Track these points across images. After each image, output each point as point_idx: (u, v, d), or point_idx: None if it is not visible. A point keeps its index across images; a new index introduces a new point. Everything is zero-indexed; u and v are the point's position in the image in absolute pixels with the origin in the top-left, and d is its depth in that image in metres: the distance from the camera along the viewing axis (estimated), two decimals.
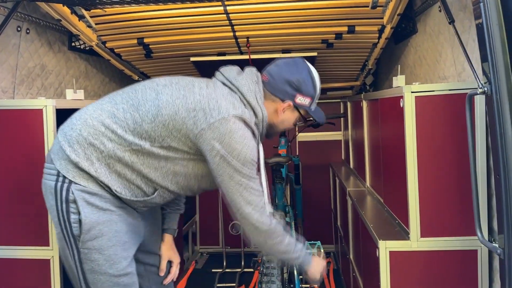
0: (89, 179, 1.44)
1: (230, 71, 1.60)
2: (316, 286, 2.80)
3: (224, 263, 3.76)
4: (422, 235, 1.75)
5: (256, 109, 1.53)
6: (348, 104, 3.45)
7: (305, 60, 1.64)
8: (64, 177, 1.43)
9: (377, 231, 1.89)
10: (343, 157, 3.98)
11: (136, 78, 3.21)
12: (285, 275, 2.36)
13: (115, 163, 1.45)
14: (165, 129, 1.44)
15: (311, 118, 1.69)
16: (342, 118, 3.90)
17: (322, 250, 2.58)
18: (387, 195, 2.17)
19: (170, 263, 1.81)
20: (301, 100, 1.57)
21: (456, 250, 1.74)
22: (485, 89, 1.38)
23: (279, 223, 1.59)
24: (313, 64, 3.01)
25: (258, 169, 1.55)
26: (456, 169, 1.72)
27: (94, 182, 1.44)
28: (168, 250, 1.80)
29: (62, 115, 1.92)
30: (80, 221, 1.42)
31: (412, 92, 1.73)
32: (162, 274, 1.76)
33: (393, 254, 1.77)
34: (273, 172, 2.56)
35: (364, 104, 2.69)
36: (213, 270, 3.69)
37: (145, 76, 3.31)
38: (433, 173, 1.73)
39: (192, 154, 1.48)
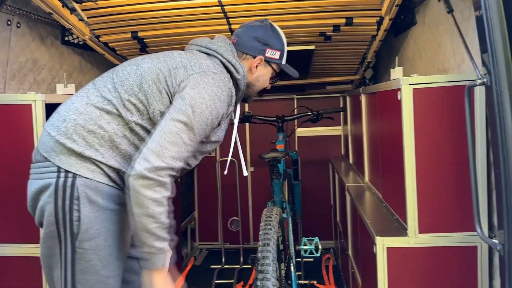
0: (95, 170, 1.41)
1: (202, 40, 1.65)
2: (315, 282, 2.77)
3: (223, 260, 3.74)
4: (421, 231, 1.71)
5: (236, 66, 1.60)
6: (347, 98, 3.41)
7: (268, 19, 1.74)
8: (67, 172, 1.39)
9: (375, 227, 1.85)
10: (342, 152, 3.94)
11: None
12: (283, 272, 2.33)
13: (118, 144, 1.43)
14: (151, 96, 1.45)
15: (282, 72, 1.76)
16: (341, 113, 3.86)
17: (320, 246, 2.55)
18: (386, 190, 2.13)
19: None
20: (271, 53, 1.67)
21: (455, 246, 1.70)
22: (485, 80, 1.34)
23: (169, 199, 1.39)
24: (311, 58, 3.02)
25: (219, 124, 1.55)
26: (455, 163, 1.67)
27: (101, 172, 1.42)
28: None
29: (52, 110, 1.89)
30: (81, 220, 1.38)
31: (409, 84, 1.68)
32: None
33: (390, 251, 1.73)
34: (270, 168, 2.52)
35: (363, 98, 2.65)
36: (211, 267, 3.67)
37: None
38: (431, 168, 1.69)
39: None
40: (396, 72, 1.80)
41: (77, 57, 2.78)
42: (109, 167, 1.43)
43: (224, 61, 1.59)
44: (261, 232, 1.95)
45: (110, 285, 1.44)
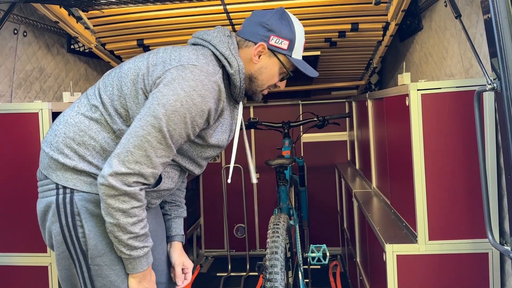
0: (92, 182, 1.31)
1: (200, 31, 1.49)
2: None
3: (229, 267, 3.71)
4: (431, 238, 1.68)
5: (230, 59, 1.39)
6: (353, 103, 3.39)
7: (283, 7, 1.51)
8: (65, 188, 1.32)
9: (384, 234, 1.82)
10: (348, 158, 3.91)
11: None
12: (290, 280, 2.30)
13: (110, 154, 1.31)
14: (129, 99, 1.33)
15: (300, 71, 1.48)
16: (347, 118, 3.84)
17: (328, 254, 2.52)
18: (394, 196, 2.11)
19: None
20: (276, 41, 1.42)
21: (466, 253, 1.67)
22: (495, 85, 1.32)
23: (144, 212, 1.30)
24: (316, 63, 3.01)
25: (208, 123, 1.38)
26: (465, 169, 1.65)
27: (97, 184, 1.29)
28: (180, 257, 1.62)
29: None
30: (87, 236, 1.31)
31: (418, 89, 1.67)
32: (179, 280, 1.59)
33: (400, 258, 1.71)
34: (276, 174, 2.51)
35: (369, 103, 2.63)
36: (218, 274, 3.64)
37: None
38: (441, 174, 1.67)
39: None
40: (404, 78, 1.79)
41: (83, 65, 2.79)
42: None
43: (217, 53, 1.40)
44: (268, 240, 1.93)
45: None
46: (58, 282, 1.77)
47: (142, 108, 1.29)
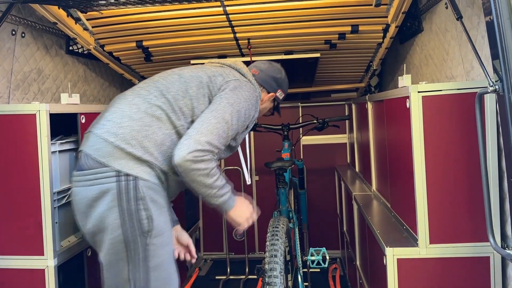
0: (151, 172, 1.52)
1: (225, 61, 1.88)
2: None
3: (228, 270, 3.69)
4: (431, 242, 1.67)
5: (255, 86, 1.83)
6: (353, 106, 3.38)
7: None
8: (127, 175, 1.48)
9: (384, 238, 1.81)
10: (348, 161, 3.90)
11: (136, 82, 3.16)
12: (290, 283, 2.28)
13: (167, 148, 1.56)
14: (195, 100, 1.63)
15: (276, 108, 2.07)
16: (347, 121, 3.83)
17: (327, 257, 2.50)
18: (394, 199, 2.09)
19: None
20: (279, 94, 2.00)
21: (467, 257, 1.66)
22: (496, 87, 1.31)
23: (219, 169, 1.60)
24: (316, 66, 3.00)
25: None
26: (466, 172, 1.64)
27: (155, 174, 1.54)
28: (185, 235, 1.85)
29: (57, 120, 1.87)
30: (150, 218, 1.49)
31: (418, 92, 1.65)
32: (194, 259, 1.84)
33: (401, 262, 1.69)
34: (276, 177, 2.49)
35: (369, 106, 2.62)
36: (216, 277, 3.62)
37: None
38: (442, 177, 1.66)
39: None
40: (404, 80, 1.77)
41: (81, 67, 2.78)
42: (161, 170, 1.56)
43: (253, 81, 1.86)
44: (268, 243, 1.91)
45: (175, 280, 1.57)
46: (55, 285, 1.75)
47: (207, 106, 1.63)
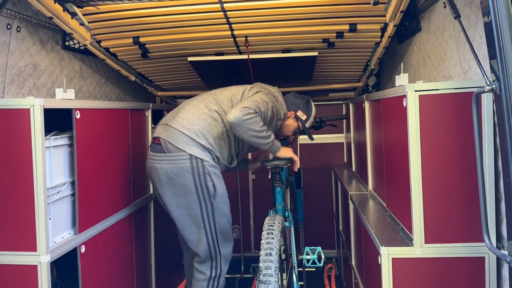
0: (210, 156, 2.23)
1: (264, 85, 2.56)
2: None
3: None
4: (427, 241, 1.66)
5: (278, 100, 2.47)
6: (350, 105, 3.37)
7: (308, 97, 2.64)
8: (197, 158, 2.18)
9: (380, 237, 1.80)
10: (345, 160, 3.89)
11: (133, 78, 3.14)
12: (285, 282, 2.27)
13: (221, 141, 2.28)
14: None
15: (304, 131, 2.60)
16: (344, 120, 3.82)
17: (323, 256, 2.50)
18: (390, 199, 2.09)
19: None
20: (300, 114, 2.55)
21: (462, 257, 1.65)
22: (494, 86, 1.30)
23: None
24: (314, 65, 2.99)
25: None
26: (463, 172, 1.63)
27: (213, 158, 2.24)
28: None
29: (52, 115, 1.86)
30: (214, 186, 2.20)
31: (415, 90, 1.65)
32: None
33: (396, 261, 1.68)
34: (272, 175, 2.48)
35: (366, 105, 2.61)
36: None
37: (142, 77, 3.24)
38: (438, 176, 1.65)
39: None
40: (401, 79, 1.77)
41: (77, 62, 2.76)
42: (216, 156, 2.26)
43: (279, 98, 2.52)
44: (263, 241, 1.90)
45: (230, 222, 2.33)
46: (48, 281, 1.74)
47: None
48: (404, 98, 1.69)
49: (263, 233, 1.96)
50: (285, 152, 2.37)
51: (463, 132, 1.62)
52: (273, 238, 1.92)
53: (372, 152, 2.52)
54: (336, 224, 3.77)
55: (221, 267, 2.32)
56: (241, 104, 2.17)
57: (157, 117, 3.06)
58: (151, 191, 2.85)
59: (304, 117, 2.54)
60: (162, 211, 3.01)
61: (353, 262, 2.67)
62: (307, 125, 2.57)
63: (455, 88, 1.63)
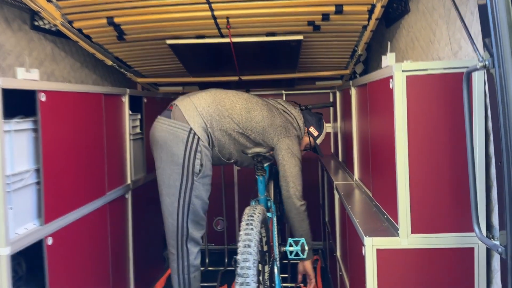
0: (206, 140, 2.30)
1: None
2: (301, 285, 2.66)
3: (207, 261, 3.58)
4: (413, 231, 1.57)
5: (301, 127, 2.65)
6: (337, 93, 3.27)
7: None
8: (195, 134, 2.26)
9: (364, 227, 1.70)
10: (332, 150, 3.80)
11: (110, 63, 2.99)
12: (266, 275, 2.17)
13: (218, 133, 2.35)
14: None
15: (315, 148, 2.75)
16: (331, 110, 3.72)
17: (306, 248, 2.40)
18: (376, 188, 1.99)
19: None
20: (312, 130, 2.67)
21: (450, 248, 1.56)
22: (486, 62, 1.20)
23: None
24: (299, 49, 2.87)
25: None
26: (452, 157, 1.54)
27: (208, 142, 2.32)
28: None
29: (18, 98, 1.71)
30: (202, 165, 2.27)
31: (403, 71, 1.54)
32: None
33: (380, 252, 1.59)
34: (254, 164, 2.36)
35: (353, 92, 2.51)
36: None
37: (119, 61, 3.09)
38: (425, 162, 1.55)
39: None
40: (388, 59, 1.66)
41: (49, 44, 2.60)
42: (213, 142, 2.34)
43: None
44: (241, 232, 1.80)
45: (205, 208, 2.37)
46: (7, 274, 1.61)
47: None
48: (391, 80, 1.58)
49: (241, 224, 1.85)
50: (309, 264, 2.52)
51: (452, 115, 1.53)
52: (252, 229, 1.81)
53: (358, 140, 2.42)
54: (322, 215, 3.68)
55: (188, 246, 2.35)
56: (291, 179, 2.46)
57: (136, 104, 2.93)
58: (129, 181, 2.73)
59: (316, 133, 2.66)
60: (141, 201, 2.89)
61: (338, 254, 2.58)
62: (318, 141, 2.71)
63: (444, 68, 1.52)
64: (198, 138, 2.26)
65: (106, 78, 3.33)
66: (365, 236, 1.59)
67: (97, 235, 2.31)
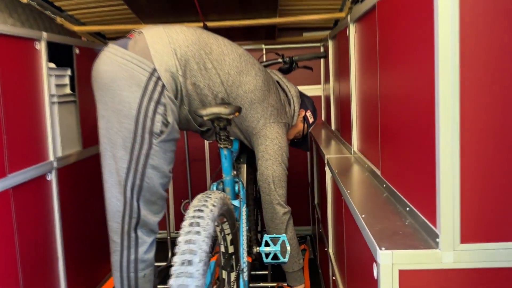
0: (173, 91, 1.63)
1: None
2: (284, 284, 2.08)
3: (170, 254, 2.94)
4: (464, 240, 0.91)
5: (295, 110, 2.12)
6: (330, 43, 2.56)
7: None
8: (158, 79, 1.59)
9: (373, 229, 1.04)
10: (323, 118, 3.13)
11: (25, 0, 2.24)
12: (234, 285, 1.53)
13: (190, 88, 1.68)
14: None
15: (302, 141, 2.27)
16: (322, 68, 3.04)
17: (288, 248, 1.76)
18: (389, 164, 1.33)
19: None
20: (309, 115, 2.16)
21: None
22: None
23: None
24: None
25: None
26: None
27: (175, 95, 1.65)
28: None
29: None
30: (166, 123, 1.61)
31: None
32: None
33: (405, 275, 0.93)
34: (215, 131, 1.68)
35: (352, 30, 1.81)
36: (155, 264, 2.85)
37: (45, 2, 2.34)
38: (491, 124, 0.89)
39: None
40: None
41: None
42: (184, 94, 1.68)
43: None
44: (180, 239, 1.12)
45: (164, 182, 1.68)
46: None
47: None
48: None
49: (182, 223, 1.18)
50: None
51: None
52: (198, 232, 1.13)
53: (359, 98, 1.75)
54: (311, 197, 3.05)
55: (137, 233, 1.67)
56: (273, 181, 1.84)
57: (65, 55, 2.20)
58: (51, 157, 2.03)
59: (311, 120, 2.18)
60: (76, 184, 2.22)
61: (330, 251, 1.95)
62: (310, 128, 2.24)
63: None
64: (163, 85, 1.59)
65: (32, 26, 2.57)
66: (379, 248, 0.94)
67: None
